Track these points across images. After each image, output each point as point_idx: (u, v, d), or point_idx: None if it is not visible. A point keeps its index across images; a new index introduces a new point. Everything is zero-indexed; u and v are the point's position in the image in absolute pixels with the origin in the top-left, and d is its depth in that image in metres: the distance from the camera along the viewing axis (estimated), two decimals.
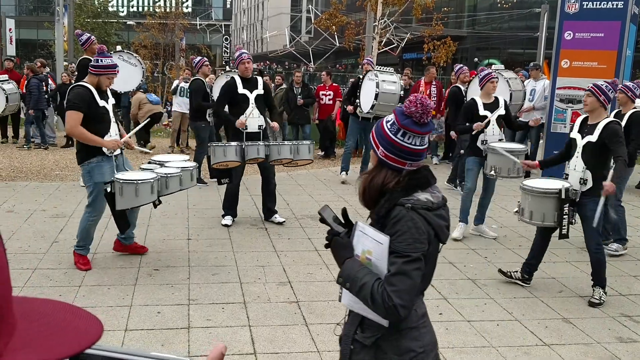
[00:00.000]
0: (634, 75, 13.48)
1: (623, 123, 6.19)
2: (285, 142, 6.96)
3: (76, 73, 9.88)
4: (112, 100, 5.35)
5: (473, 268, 5.74)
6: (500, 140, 6.70)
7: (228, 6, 69.97)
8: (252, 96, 6.66)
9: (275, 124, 6.92)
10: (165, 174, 5.19)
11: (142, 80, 9.52)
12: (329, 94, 12.00)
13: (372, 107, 8.93)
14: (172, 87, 12.97)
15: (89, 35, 8.80)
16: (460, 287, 5.22)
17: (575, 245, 6.61)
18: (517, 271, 5.35)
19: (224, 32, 46.49)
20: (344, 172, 9.86)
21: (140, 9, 54.00)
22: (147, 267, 5.39)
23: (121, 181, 4.89)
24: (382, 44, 18.51)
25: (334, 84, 12.45)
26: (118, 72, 5.38)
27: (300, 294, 4.82)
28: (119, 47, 10.61)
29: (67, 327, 0.68)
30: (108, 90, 5.34)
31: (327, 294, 4.87)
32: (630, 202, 8.97)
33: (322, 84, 12.63)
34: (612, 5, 9.40)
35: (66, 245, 5.89)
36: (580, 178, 4.93)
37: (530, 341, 4.23)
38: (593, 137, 4.89)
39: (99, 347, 0.70)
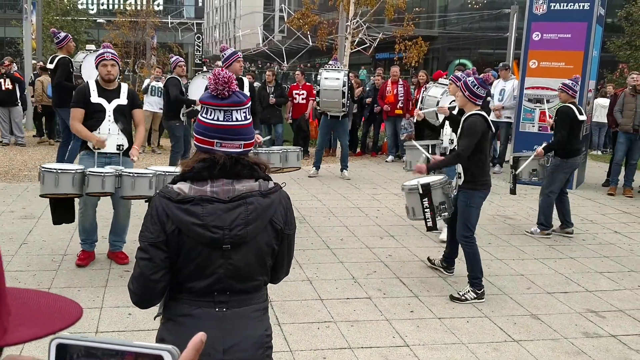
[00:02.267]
0: (600, 75, 13.75)
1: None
2: (275, 150, 6.77)
3: (46, 70, 9.71)
4: (120, 101, 5.24)
5: None
6: (451, 140, 6.67)
7: (200, 4, 69.45)
8: None
9: (257, 137, 6.70)
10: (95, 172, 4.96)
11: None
12: (303, 93, 12.00)
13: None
14: (143, 86, 12.85)
15: (66, 33, 8.74)
16: (431, 285, 5.28)
17: (543, 242, 6.74)
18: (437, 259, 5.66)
19: (195, 31, 46.12)
20: (314, 168, 10.26)
21: (111, 6, 53.32)
22: (118, 268, 5.34)
23: (44, 169, 4.91)
24: (355, 43, 18.58)
25: (307, 83, 12.47)
26: (111, 56, 5.22)
27: (273, 294, 4.82)
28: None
29: (53, 308, 0.77)
30: (124, 90, 5.28)
31: (299, 294, 4.89)
32: (596, 199, 9.18)
33: (295, 83, 12.64)
34: (579, 6, 9.59)
35: (35, 247, 5.80)
36: (457, 172, 5.23)
37: (500, 337, 4.31)
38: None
39: (84, 337, 0.74)
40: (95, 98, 5.15)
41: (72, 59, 8.80)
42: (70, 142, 8.69)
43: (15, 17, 31.74)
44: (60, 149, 9.11)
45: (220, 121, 1.98)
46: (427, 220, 5.33)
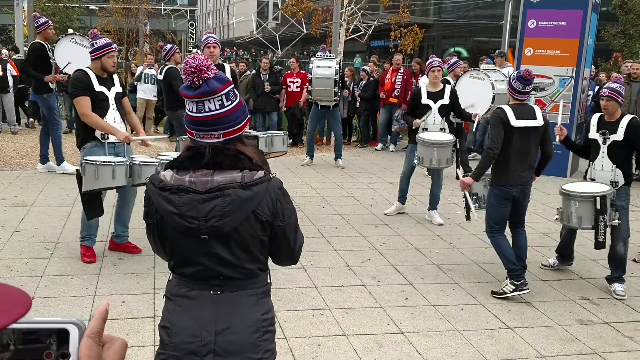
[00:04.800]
0: (595, 64, 13.74)
1: (620, 135, 4.95)
2: (259, 134, 6.70)
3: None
4: (116, 88, 5.17)
5: (438, 253, 5.81)
6: (441, 129, 6.71)
7: None
8: None
9: None
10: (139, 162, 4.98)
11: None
12: (297, 81, 11.92)
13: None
14: (137, 74, 12.75)
15: (47, 19, 8.59)
16: (426, 273, 5.28)
17: (538, 230, 6.75)
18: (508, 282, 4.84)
19: (189, 18, 45.80)
20: (308, 157, 10.21)
21: None
22: (112, 256, 5.31)
23: (97, 163, 4.72)
24: (350, 31, 18.49)
25: (301, 71, 12.39)
26: (116, 48, 5.21)
27: None
28: (70, 30, 10.38)
29: (6, 297, 0.71)
30: (116, 78, 5.22)
31: (294, 281, 4.88)
32: None
33: (289, 71, 12.55)
34: None
35: (27, 234, 5.76)
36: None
37: (494, 324, 4.32)
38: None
39: None
40: (97, 86, 5.03)
41: (50, 46, 8.51)
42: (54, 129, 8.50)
43: (7, 3, 31.36)
44: (43, 136, 8.79)
45: (195, 112, 1.94)
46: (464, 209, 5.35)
